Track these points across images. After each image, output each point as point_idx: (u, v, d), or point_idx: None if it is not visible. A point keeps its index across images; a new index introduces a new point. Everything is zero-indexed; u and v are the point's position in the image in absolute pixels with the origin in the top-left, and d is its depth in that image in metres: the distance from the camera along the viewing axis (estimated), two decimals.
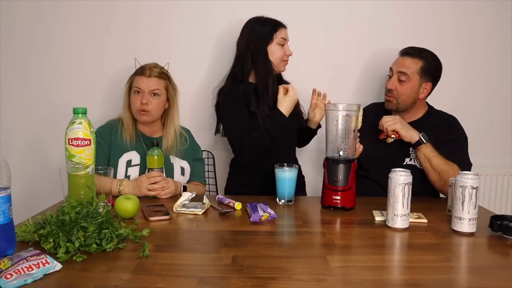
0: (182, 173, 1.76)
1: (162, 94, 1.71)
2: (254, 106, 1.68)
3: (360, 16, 2.13)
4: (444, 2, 2.13)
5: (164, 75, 1.73)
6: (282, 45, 1.72)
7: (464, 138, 1.72)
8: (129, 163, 1.68)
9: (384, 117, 1.66)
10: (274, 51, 1.71)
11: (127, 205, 1.30)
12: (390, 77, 1.75)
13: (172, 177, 1.72)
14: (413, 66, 1.69)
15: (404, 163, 1.69)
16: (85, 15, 2.08)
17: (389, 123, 1.62)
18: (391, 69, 1.76)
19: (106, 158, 1.68)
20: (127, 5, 2.08)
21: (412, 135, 1.61)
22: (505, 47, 2.17)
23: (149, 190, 1.55)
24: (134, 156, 1.69)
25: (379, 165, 1.69)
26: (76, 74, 2.12)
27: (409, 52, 1.72)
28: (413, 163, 1.68)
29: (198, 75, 2.13)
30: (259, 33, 1.71)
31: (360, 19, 2.13)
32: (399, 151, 1.70)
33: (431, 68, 1.70)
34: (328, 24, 2.12)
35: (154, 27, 2.10)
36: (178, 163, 1.76)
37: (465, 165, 1.63)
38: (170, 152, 1.74)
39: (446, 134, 1.69)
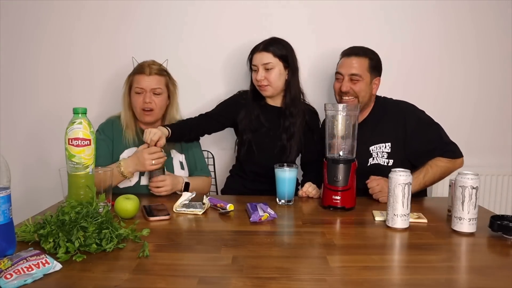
0: (182, 167, 1.76)
1: (163, 92, 1.70)
2: (243, 120, 1.80)
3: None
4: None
5: (163, 72, 1.72)
6: (255, 71, 1.76)
7: (424, 114, 1.68)
8: None
9: (380, 189, 1.52)
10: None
11: (127, 205, 1.30)
12: (339, 79, 1.72)
13: (172, 171, 1.72)
14: (362, 65, 1.69)
15: (368, 164, 1.67)
16: (85, 15, 2.08)
17: (382, 197, 1.50)
18: (339, 73, 1.72)
19: (111, 154, 1.68)
20: (126, 4, 2.08)
21: None
22: (505, 45, 2.17)
23: (150, 189, 1.57)
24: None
25: None
26: (77, 73, 2.12)
27: (354, 52, 1.71)
28: (377, 162, 1.67)
29: (202, 73, 2.13)
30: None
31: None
32: (360, 154, 1.62)
33: (375, 63, 1.72)
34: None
35: (152, 25, 2.10)
36: (177, 158, 1.76)
37: (446, 149, 1.59)
38: (171, 147, 1.74)
39: (409, 122, 1.65)
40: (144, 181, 1.68)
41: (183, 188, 1.64)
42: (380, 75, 1.75)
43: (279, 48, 1.74)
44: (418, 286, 0.90)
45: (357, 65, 1.68)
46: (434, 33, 2.13)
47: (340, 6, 2.11)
